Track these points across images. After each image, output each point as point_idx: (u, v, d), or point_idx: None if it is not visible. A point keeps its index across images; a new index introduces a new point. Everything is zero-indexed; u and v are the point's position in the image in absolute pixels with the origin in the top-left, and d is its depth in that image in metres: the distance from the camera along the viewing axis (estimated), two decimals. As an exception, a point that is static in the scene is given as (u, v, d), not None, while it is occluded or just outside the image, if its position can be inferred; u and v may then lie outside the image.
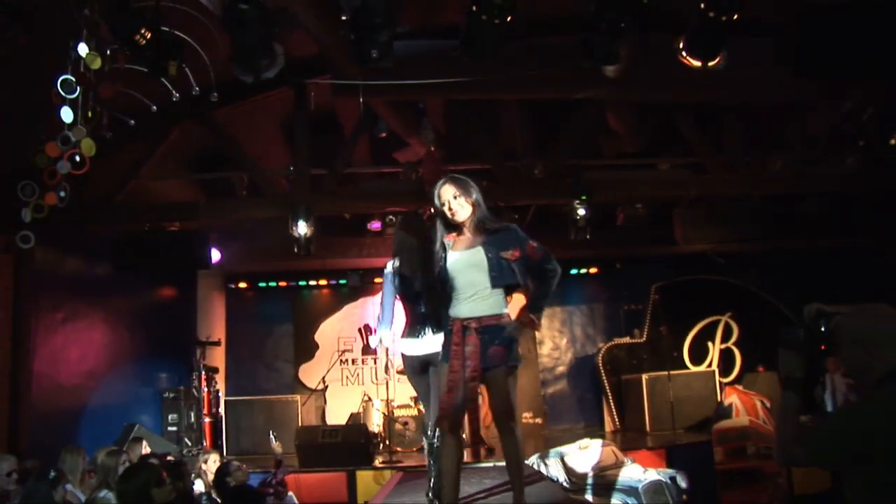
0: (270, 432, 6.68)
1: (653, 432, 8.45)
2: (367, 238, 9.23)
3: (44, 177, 5.23)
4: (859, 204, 8.58)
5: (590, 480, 5.90)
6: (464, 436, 3.44)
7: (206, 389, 8.44)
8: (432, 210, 3.62)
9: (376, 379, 9.79)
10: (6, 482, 4.42)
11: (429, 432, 4.03)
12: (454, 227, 3.55)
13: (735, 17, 4.70)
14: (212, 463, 5.67)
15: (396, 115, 7.66)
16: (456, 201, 3.48)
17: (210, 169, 8.65)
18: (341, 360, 10.00)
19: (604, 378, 9.56)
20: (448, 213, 3.50)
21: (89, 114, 4.84)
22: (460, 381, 3.33)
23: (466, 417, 3.59)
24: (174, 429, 8.15)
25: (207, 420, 8.36)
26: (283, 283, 10.30)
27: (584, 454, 6.24)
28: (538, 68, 5.82)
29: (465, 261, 3.47)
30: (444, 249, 3.53)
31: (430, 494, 3.91)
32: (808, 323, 2.11)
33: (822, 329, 2.10)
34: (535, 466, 6.24)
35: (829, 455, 2.05)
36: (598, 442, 6.49)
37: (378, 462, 7.38)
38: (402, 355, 4.08)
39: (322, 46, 6.05)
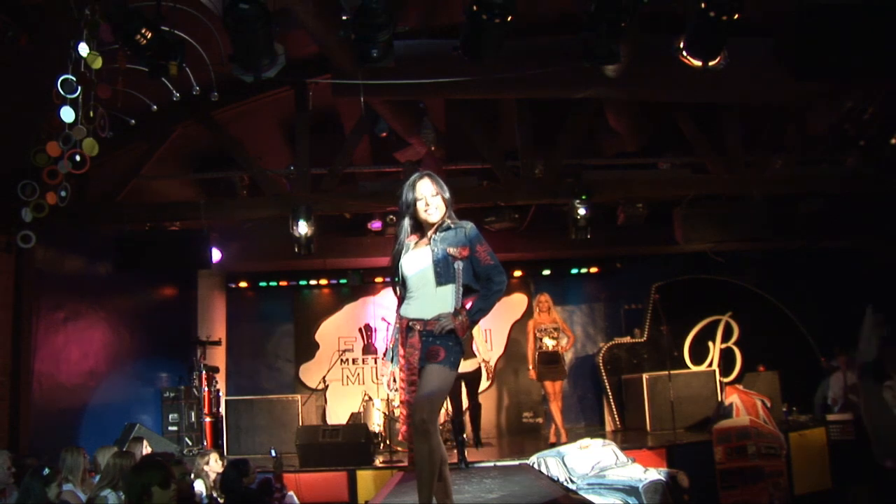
0: (272, 450, 6.70)
1: (653, 432, 8.45)
2: (367, 238, 9.24)
3: (44, 176, 5.23)
4: (859, 204, 8.58)
5: (590, 480, 5.90)
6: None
7: (206, 389, 8.44)
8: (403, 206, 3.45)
9: (377, 378, 9.81)
10: (7, 475, 4.47)
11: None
12: (420, 227, 3.44)
13: (735, 16, 4.70)
14: (213, 463, 5.67)
15: (397, 115, 7.65)
16: (434, 199, 3.37)
17: (210, 168, 8.65)
18: (342, 360, 10.01)
19: (604, 377, 9.57)
20: (423, 211, 3.38)
21: (90, 113, 4.84)
22: (406, 384, 3.31)
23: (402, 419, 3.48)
24: (174, 428, 8.18)
25: (208, 420, 8.36)
26: (283, 283, 10.32)
27: (585, 454, 6.26)
28: (538, 68, 5.81)
29: (415, 258, 3.38)
30: (403, 249, 3.44)
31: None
32: (873, 331, 2.13)
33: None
34: (536, 466, 6.25)
35: None
36: (598, 441, 6.50)
37: (379, 462, 7.40)
38: None
39: (322, 46, 6.04)
